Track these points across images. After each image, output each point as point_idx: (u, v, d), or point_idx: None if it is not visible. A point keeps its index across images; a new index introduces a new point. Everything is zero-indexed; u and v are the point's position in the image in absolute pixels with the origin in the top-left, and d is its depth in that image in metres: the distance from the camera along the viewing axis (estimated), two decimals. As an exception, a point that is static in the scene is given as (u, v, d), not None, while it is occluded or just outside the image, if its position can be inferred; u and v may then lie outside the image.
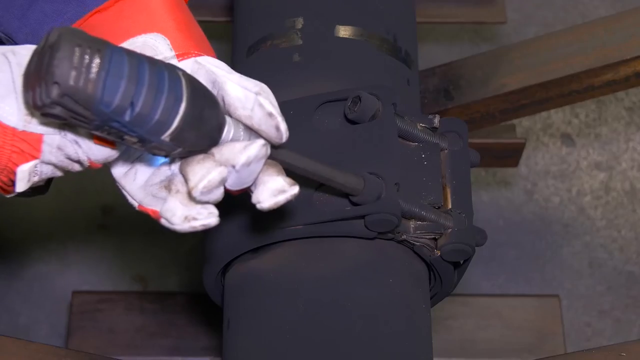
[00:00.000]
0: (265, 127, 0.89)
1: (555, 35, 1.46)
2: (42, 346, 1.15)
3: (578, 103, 1.80)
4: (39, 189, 0.98)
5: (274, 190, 0.90)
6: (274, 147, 0.90)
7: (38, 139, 0.85)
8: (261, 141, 0.87)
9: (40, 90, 0.78)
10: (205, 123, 0.84)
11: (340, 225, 1.05)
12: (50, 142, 0.85)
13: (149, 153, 0.86)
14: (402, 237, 1.08)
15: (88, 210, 2.05)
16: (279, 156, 0.92)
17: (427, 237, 1.09)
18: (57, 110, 0.79)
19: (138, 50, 0.86)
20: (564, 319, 1.90)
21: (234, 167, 0.87)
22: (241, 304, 1.10)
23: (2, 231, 2.02)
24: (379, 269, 1.08)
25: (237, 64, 1.25)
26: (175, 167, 0.90)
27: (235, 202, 1.10)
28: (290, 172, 0.94)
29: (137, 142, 0.83)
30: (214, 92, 0.89)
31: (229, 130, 0.87)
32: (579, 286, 2.02)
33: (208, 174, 0.86)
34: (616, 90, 1.45)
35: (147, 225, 2.04)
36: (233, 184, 0.89)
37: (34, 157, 0.86)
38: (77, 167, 0.89)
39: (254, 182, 0.90)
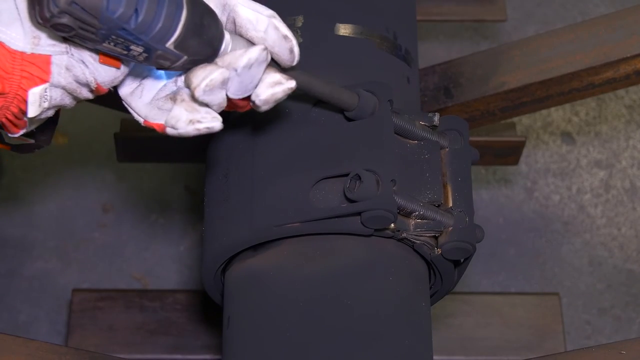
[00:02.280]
0: (279, 49, 0.93)
1: (555, 33, 1.46)
2: (42, 344, 1.15)
3: (578, 101, 1.80)
4: (43, 137, 1.01)
5: (270, 83, 0.93)
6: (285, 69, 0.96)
7: (46, 61, 0.87)
8: (261, 46, 0.91)
9: (48, 2, 0.82)
10: (206, 30, 0.89)
11: (337, 223, 1.05)
12: (58, 62, 0.88)
13: (155, 66, 0.90)
14: (403, 235, 1.08)
15: (88, 208, 2.05)
16: (293, 71, 0.97)
17: (428, 235, 1.09)
18: (66, 19, 0.82)
19: None
20: (564, 317, 1.90)
21: (235, 70, 0.90)
22: (241, 302, 1.10)
23: (3, 229, 2.02)
24: (379, 267, 1.08)
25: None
26: (180, 82, 0.94)
27: (234, 202, 1.11)
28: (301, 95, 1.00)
29: (143, 53, 0.87)
30: (224, 15, 0.93)
31: (228, 44, 0.92)
32: (579, 284, 2.02)
33: (210, 73, 0.90)
34: (616, 88, 1.45)
35: (147, 223, 2.05)
36: (236, 90, 0.92)
37: (44, 81, 0.88)
38: (85, 92, 0.91)
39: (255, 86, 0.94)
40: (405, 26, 1.28)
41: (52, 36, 0.87)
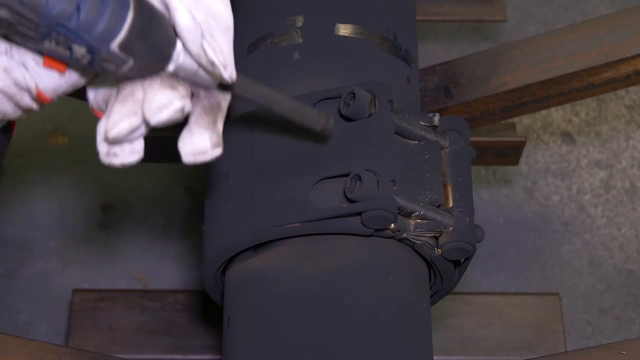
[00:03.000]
0: (211, 70, 0.85)
1: (555, 33, 1.46)
2: (42, 344, 1.15)
3: (578, 101, 1.80)
4: None
5: (196, 149, 0.88)
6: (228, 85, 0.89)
7: None
8: (177, 105, 0.84)
9: None
10: (154, 34, 0.83)
11: (337, 223, 1.05)
12: None
13: (99, 70, 0.84)
14: (403, 235, 1.08)
15: (88, 209, 2.05)
16: (237, 91, 0.90)
17: (428, 235, 1.09)
18: (3, 12, 0.78)
19: None
20: (564, 317, 1.90)
21: (148, 123, 0.84)
22: (241, 302, 1.10)
23: (3, 229, 2.02)
24: (379, 267, 1.08)
25: (237, 62, 1.24)
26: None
27: (234, 201, 1.11)
28: (250, 102, 0.93)
29: (86, 54, 0.82)
30: (167, 15, 0.85)
31: (178, 53, 0.85)
32: (579, 284, 2.02)
33: (119, 121, 0.84)
34: (616, 89, 1.45)
35: (148, 224, 2.05)
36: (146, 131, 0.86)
37: None
38: (26, 99, 0.86)
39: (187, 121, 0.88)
40: (405, 26, 1.28)
41: None
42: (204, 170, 1.20)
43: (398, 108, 1.13)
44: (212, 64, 0.84)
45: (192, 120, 0.88)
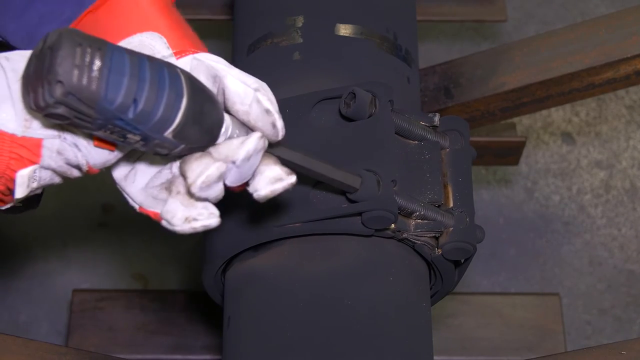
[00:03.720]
0: (262, 123, 0.88)
1: (555, 33, 1.46)
2: (42, 344, 1.15)
3: (578, 101, 1.80)
4: (30, 203, 0.98)
5: (271, 179, 0.90)
6: (271, 144, 0.91)
7: (37, 144, 0.84)
8: (257, 134, 0.87)
9: (43, 91, 0.78)
10: (206, 118, 0.85)
11: (338, 223, 1.05)
12: (49, 146, 0.85)
13: (151, 152, 0.86)
14: (403, 235, 1.08)
15: (88, 209, 2.05)
16: (276, 153, 0.92)
17: (428, 235, 1.09)
18: (61, 109, 0.78)
19: (136, 49, 0.85)
20: (564, 317, 1.90)
21: (234, 162, 0.87)
22: (241, 302, 1.10)
23: (3, 229, 2.02)
24: (379, 267, 1.08)
25: (238, 62, 1.25)
26: (176, 169, 0.90)
27: (233, 201, 1.11)
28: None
29: (140, 141, 0.83)
30: (215, 86, 0.88)
31: (227, 128, 0.87)
32: (579, 284, 2.02)
33: (206, 169, 0.86)
34: (616, 89, 1.45)
35: (148, 224, 2.05)
36: (234, 180, 0.89)
37: (33, 163, 0.85)
38: (75, 173, 0.89)
39: (252, 174, 0.90)
40: (406, 26, 1.28)
41: (45, 122, 0.84)
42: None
43: (398, 108, 1.13)
44: (268, 111, 0.88)
45: (258, 165, 0.90)
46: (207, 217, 0.88)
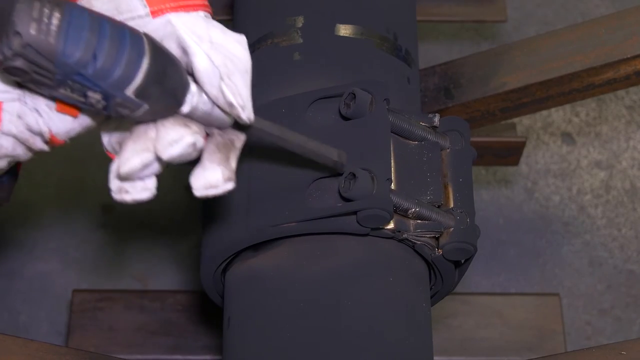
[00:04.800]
0: (229, 111, 0.87)
1: (555, 33, 1.46)
2: (42, 344, 1.15)
3: (578, 101, 1.80)
4: (0, 195, 0.97)
5: (207, 182, 0.89)
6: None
7: None
8: (189, 140, 0.85)
9: (2, 44, 0.78)
10: (169, 79, 0.84)
11: (333, 222, 1.05)
12: (10, 109, 0.84)
13: (114, 114, 0.85)
14: (403, 235, 1.08)
15: (88, 209, 2.05)
16: (251, 130, 0.92)
17: (428, 235, 1.09)
18: (19, 62, 0.79)
19: (111, 2, 0.86)
20: (565, 318, 1.90)
21: (158, 159, 0.86)
22: (241, 303, 1.10)
23: (3, 230, 2.02)
24: (379, 268, 1.08)
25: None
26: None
27: (231, 202, 1.11)
28: (265, 144, 0.95)
29: (102, 100, 0.82)
30: (184, 58, 0.87)
31: (192, 95, 0.86)
32: (579, 285, 2.02)
33: (131, 157, 0.85)
34: (617, 89, 1.45)
35: (148, 224, 2.05)
36: (161, 168, 0.87)
37: None
38: (38, 143, 0.87)
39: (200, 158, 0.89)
40: (406, 27, 1.28)
41: (5, 81, 0.83)
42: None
43: (398, 108, 1.13)
44: (231, 105, 0.86)
45: (205, 157, 0.89)
46: (139, 191, 0.87)
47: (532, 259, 2.04)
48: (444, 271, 1.12)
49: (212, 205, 1.14)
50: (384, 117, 1.08)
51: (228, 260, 1.13)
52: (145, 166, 0.86)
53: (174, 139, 0.85)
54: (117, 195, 0.88)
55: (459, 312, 1.78)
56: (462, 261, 1.13)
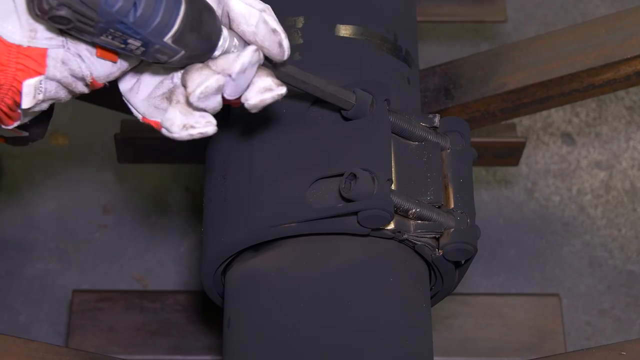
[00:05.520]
0: (269, 43, 0.92)
1: (555, 34, 1.46)
2: (42, 345, 1.15)
3: (578, 102, 1.80)
4: (36, 131, 1.01)
5: (261, 88, 0.93)
6: (277, 65, 0.96)
7: (42, 54, 0.87)
8: (252, 47, 0.91)
9: None
10: (204, 25, 0.89)
11: (333, 223, 1.05)
12: (54, 56, 0.88)
13: (152, 60, 0.89)
14: (404, 236, 1.08)
15: (88, 209, 2.05)
16: (281, 74, 0.97)
17: (429, 236, 1.09)
18: (64, 11, 0.82)
19: None
20: (564, 318, 1.90)
21: (230, 75, 0.90)
22: (242, 303, 1.10)
23: (3, 230, 2.03)
24: (379, 268, 1.08)
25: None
26: (177, 79, 0.94)
27: (231, 203, 1.11)
28: (293, 89, 1.00)
29: (141, 47, 0.87)
30: (220, 8, 0.92)
31: (224, 39, 0.91)
32: (579, 285, 2.02)
33: (206, 80, 0.90)
34: (617, 89, 1.45)
35: (148, 224, 2.05)
36: (231, 93, 0.92)
37: (39, 73, 0.88)
38: (80, 86, 0.91)
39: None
40: (406, 27, 1.28)
41: (49, 29, 0.87)
42: (204, 170, 1.20)
43: (398, 109, 1.13)
44: (275, 31, 0.92)
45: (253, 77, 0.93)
46: (204, 125, 0.91)
47: (532, 259, 2.05)
48: (445, 272, 1.12)
49: (213, 205, 1.14)
50: (385, 117, 1.08)
51: (228, 261, 1.13)
52: (220, 89, 0.90)
53: (235, 55, 0.90)
54: (182, 133, 0.92)
55: (459, 312, 1.78)
56: (463, 262, 1.13)
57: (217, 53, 0.91)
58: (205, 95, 0.90)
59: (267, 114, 1.11)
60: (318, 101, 1.11)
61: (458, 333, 1.77)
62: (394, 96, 1.13)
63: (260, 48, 0.92)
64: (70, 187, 2.07)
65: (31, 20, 0.86)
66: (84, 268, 2.00)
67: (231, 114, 1.18)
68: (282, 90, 0.94)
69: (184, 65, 0.91)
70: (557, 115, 2.19)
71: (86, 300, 1.74)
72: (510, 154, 1.72)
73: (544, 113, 2.18)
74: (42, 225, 2.03)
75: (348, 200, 1.04)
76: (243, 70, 0.90)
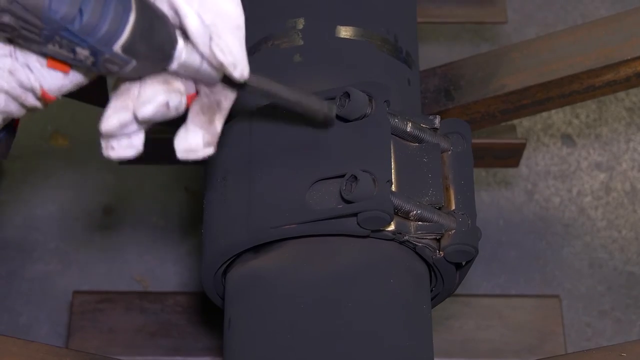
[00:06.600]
0: (222, 71, 0.87)
1: (555, 35, 1.46)
2: (42, 346, 1.15)
3: (578, 103, 1.80)
4: None
5: (188, 146, 0.89)
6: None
7: None
8: (161, 99, 0.85)
9: None
10: (156, 34, 0.85)
11: (333, 224, 1.05)
12: (1, 65, 0.84)
13: (103, 71, 0.85)
14: (404, 237, 1.08)
15: (89, 211, 2.05)
16: (246, 86, 0.92)
17: (429, 237, 1.09)
18: (7, 18, 0.79)
19: None
20: (565, 319, 1.90)
21: (136, 119, 0.86)
22: (242, 304, 1.10)
23: (3, 231, 2.02)
24: (380, 270, 1.08)
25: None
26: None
27: (233, 203, 1.11)
28: (260, 97, 0.95)
29: (90, 56, 0.83)
30: (177, 19, 0.87)
31: (181, 50, 0.87)
32: (580, 286, 2.02)
33: (111, 115, 0.85)
34: (617, 91, 1.45)
35: (148, 225, 2.05)
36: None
37: None
38: (30, 99, 0.87)
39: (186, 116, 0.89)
40: (406, 28, 1.28)
41: None
42: (204, 171, 1.20)
43: (398, 110, 1.13)
44: (221, 65, 0.86)
45: (189, 118, 0.89)
46: (125, 147, 0.88)
47: (532, 260, 2.04)
48: (445, 273, 1.12)
49: (213, 206, 1.14)
50: (385, 118, 1.08)
51: (229, 262, 1.13)
52: (124, 125, 0.86)
53: (148, 97, 0.85)
54: (104, 152, 0.88)
55: (460, 313, 1.78)
56: (463, 263, 1.13)
57: (173, 65, 0.86)
58: (111, 131, 0.85)
59: (268, 114, 1.11)
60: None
61: (458, 334, 1.77)
62: (394, 97, 1.13)
63: (215, 70, 0.87)
64: (70, 188, 2.07)
65: None
66: (84, 269, 2.00)
67: (231, 115, 1.18)
68: (208, 151, 0.89)
69: (138, 76, 0.87)
70: (557, 116, 2.19)
71: (86, 301, 1.74)
72: (511, 155, 1.72)
73: (544, 114, 2.18)
74: (42, 226, 2.03)
75: (348, 202, 1.04)
76: (145, 119, 0.85)
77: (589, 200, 2.11)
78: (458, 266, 1.13)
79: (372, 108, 1.08)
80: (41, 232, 2.03)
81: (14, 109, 0.88)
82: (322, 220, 1.05)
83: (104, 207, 2.05)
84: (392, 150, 1.09)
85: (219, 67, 0.87)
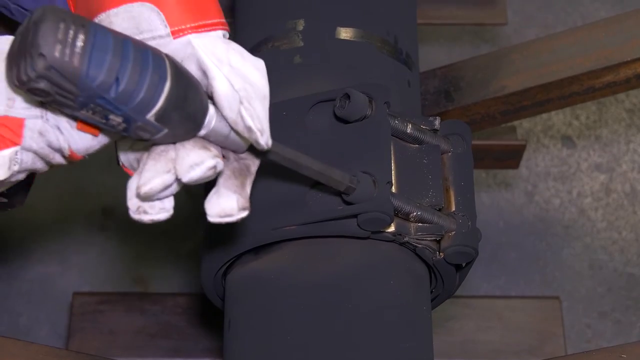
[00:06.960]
0: (247, 136, 0.87)
1: (555, 36, 1.46)
2: (42, 347, 1.15)
3: (578, 105, 1.80)
4: (15, 198, 0.97)
5: (222, 211, 0.89)
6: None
7: (19, 124, 0.84)
8: (210, 163, 0.85)
9: (26, 65, 0.78)
10: (189, 104, 0.84)
11: (334, 225, 1.05)
12: (32, 126, 0.84)
13: (134, 137, 0.85)
14: (404, 239, 1.08)
15: (89, 212, 2.05)
16: (268, 155, 0.92)
17: (429, 238, 1.09)
18: (43, 84, 0.78)
19: (134, 19, 0.85)
20: (565, 321, 1.90)
21: (179, 180, 0.85)
22: (242, 306, 1.10)
23: (3, 232, 2.02)
24: (380, 271, 1.08)
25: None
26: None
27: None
28: (283, 168, 0.94)
29: (122, 123, 0.82)
30: (205, 80, 0.87)
31: (212, 117, 0.86)
32: (580, 288, 2.02)
33: (153, 178, 0.85)
34: (617, 92, 1.45)
35: (148, 227, 2.05)
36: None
37: (15, 143, 0.84)
38: (58, 158, 0.88)
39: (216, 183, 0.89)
40: (406, 30, 1.28)
41: (28, 100, 0.83)
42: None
43: (399, 111, 1.13)
44: (250, 129, 0.86)
45: (221, 182, 0.89)
46: (157, 211, 0.87)
47: (533, 262, 2.05)
48: (445, 274, 1.12)
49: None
50: (385, 120, 1.08)
51: (229, 263, 1.13)
52: (166, 187, 0.86)
53: (195, 161, 0.85)
54: (135, 215, 0.87)
55: (460, 314, 1.78)
56: (463, 265, 1.13)
57: (203, 132, 0.86)
58: (151, 195, 0.85)
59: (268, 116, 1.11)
60: (318, 104, 1.11)
61: (458, 335, 1.77)
62: (394, 99, 1.13)
63: (240, 135, 0.87)
64: (71, 190, 2.07)
65: (10, 89, 0.83)
66: (85, 270, 2.00)
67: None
68: (243, 214, 0.89)
69: (168, 142, 0.86)
70: (557, 118, 2.19)
71: (86, 302, 1.74)
72: (511, 156, 1.72)
73: (544, 116, 2.18)
74: (42, 227, 2.03)
75: (348, 203, 1.04)
76: (191, 181, 0.85)
77: (589, 202, 2.11)
78: (458, 267, 1.13)
79: (372, 109, 1.08)
80: (41, 233, 2.03)
81: (40, 167, 0.88)
82: (322, 221, 1.05)
83: (104, 209, 2.05)
84: (392, 152, 1.09)
85: (246, 132, 0.86)
